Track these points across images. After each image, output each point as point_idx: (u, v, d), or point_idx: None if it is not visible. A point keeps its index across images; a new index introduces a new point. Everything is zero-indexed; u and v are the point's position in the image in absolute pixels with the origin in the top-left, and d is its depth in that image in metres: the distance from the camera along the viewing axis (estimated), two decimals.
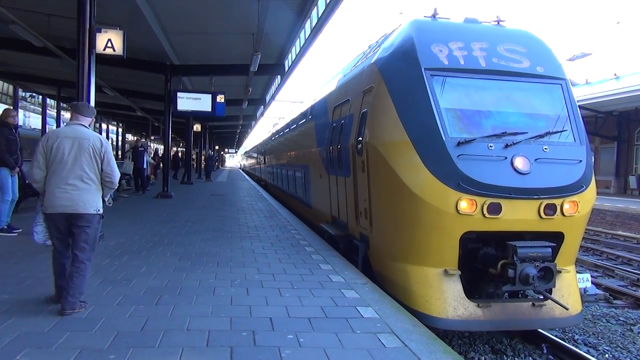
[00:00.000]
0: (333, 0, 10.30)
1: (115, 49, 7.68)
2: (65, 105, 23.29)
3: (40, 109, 22.86)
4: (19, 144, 7.97)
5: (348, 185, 7.53)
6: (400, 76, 6.14)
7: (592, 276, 9.95)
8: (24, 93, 21.91)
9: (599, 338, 6.90)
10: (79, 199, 4.14)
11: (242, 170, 62.81)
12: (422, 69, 5.89)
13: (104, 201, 4.40)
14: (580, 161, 5.78)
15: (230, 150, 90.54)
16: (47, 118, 22.76)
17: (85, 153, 4.19)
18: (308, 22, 12.16)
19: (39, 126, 22.51)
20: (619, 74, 25.06)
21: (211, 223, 10.09)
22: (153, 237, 8.10)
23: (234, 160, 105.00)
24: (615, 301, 9.08)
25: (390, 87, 6.16)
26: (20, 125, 17.25)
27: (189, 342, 3.57)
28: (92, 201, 4.21)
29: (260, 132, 47.07)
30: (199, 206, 13.62)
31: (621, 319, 7.87)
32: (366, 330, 3.99)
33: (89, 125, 4.48)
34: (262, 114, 36.17)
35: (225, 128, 43.50)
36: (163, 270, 5.76)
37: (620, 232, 17.17)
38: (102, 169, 4.27)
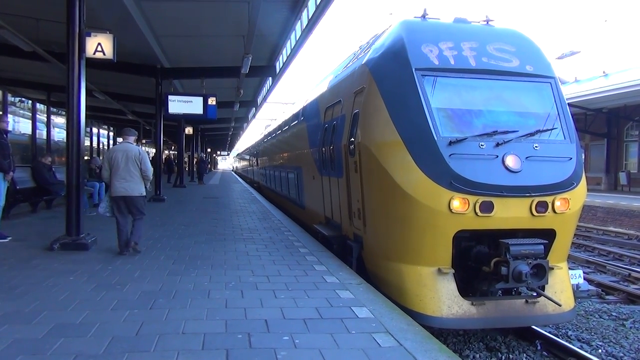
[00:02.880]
0: (323, 2, 10.33)
1: (106, 52, 7.64)
2: (55, 109, 23.12)
3: (30, 114, 22.58)
4: (10, 149, 7.90)
5: (341, 186, 7.55)
6: (391, 77, 6.16)
7: (584, 272, 10.04)
8: (13, 98, 21.65)
9: (592, 333, 6.96)
10: (129, 187, 6.77)
11: (235, 172, 62.65)
12: (413, 69, 5.92)
13: (146, 187, 7.05)
14: (571, 158, 5.83)
15: (222, 153, 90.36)
16: (37, 123, 22.51)
17: (131, 160, 6.78)
18: (299, 24, 12.17)
19: (29, 131, 22.23)
20: (608, 71, 25.35)
21: (205, 226, 10.06)
22: (146, 240, 8.04)
23: (227, 162, 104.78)
24: (607, 297, 9.18)
25: (382, 87, 6.18)
26: (10, 131, 17.03)
27: (184, 345, 3.56)
28: (137, 188, 6.86)
29: (252, 134, 46.96)
30: (192, 209, 13.58)
31: (613, 314, 7.94)
32: (361, 330, 4.00)
33: (133, 141, 7.11)
34: (253, 116, 36.11)
35: (217, 130, 43.32)
36: (157, 274, 5.74)
37: (611, 228, 17.32)
38: (141, 169, 6.81)
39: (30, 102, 22.60)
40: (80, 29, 7.19)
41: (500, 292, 6.07)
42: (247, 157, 39.05)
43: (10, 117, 19.93)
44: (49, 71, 14.91)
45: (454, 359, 3.60)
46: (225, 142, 65.69)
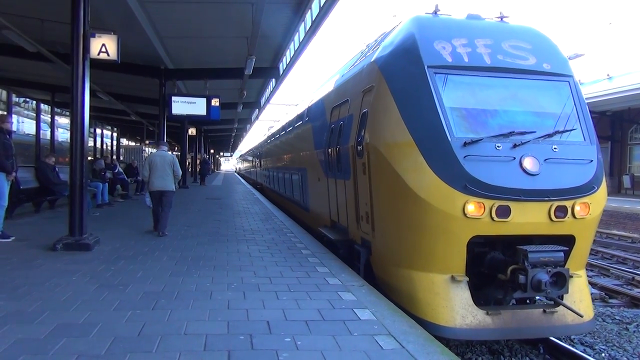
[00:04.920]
0: (327, 4, 10.33)
1: (110, 53, 7.63)
2: (59, 110, 23.20)
3: (34, 114, 22.67)
4: (13, 149, 7.93)
5: (348, 188, 7.35)
6: (402, 74, 5.92)
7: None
8: (17, 98, 21.74)
9: (595, 337, 6.92)
10: (164, 183, 8.87)
11: (238, 173, 62.70)
12: (425, 67, 5.67)
13: (175, 185, 9.21)
14: (591, 161, 5.56)
15: (225, 154, 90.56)
16: (41, 123, 22.59)
17: (166, 163, 8.93)
18: (302, 25, 12.19)
19: (33, 131, 22.31)
20: (612, 74, 25.25)
21: (207, 227, 10.06)
22: (149, 241, 8.06)
23: (229, 163, 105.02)
24: (610, 300, 9.12)
25: (392, 86, 5.94)
26: (13, 131, 17.07)
27: (186, 346, 3.55)
28: (170, 185, 8.96)
29: (255, 135, 47.08)
30: (194, 210, 13.59)
31: (617, 318, 7.89)
32: (363, 332, 3.98)
33: (167, 149, 9.50)
34: (257, 117, 36.18)
35: (220, 131, 43.46)
36: (159, 275, 5.73)
37: (615, 232, 17.24)
38: (174, 170, 8.97)
39: (34, 102, 22.71)
40: (85, 30, 7.20)
41: (514, 300, 5.75)
42: (250, 158, 39.00)
43: (14, 118, 20.04)
44: (53, 72, 14.99)
45: None
46: (228, 144, 65.82)
